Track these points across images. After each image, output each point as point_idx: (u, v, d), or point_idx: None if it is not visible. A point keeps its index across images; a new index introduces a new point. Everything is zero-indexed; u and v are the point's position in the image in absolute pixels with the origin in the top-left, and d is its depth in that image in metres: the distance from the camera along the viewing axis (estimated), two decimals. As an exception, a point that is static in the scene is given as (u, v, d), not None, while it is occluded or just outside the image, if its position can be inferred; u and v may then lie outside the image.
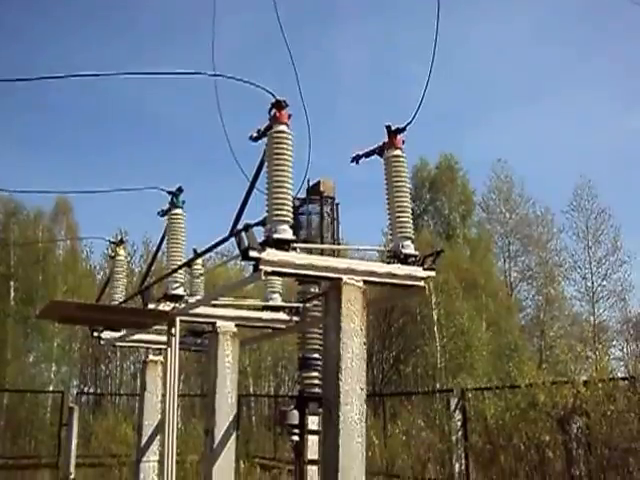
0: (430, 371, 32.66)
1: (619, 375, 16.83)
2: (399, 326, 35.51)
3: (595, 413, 14.22)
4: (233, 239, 6.12)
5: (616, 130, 60.67)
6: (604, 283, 42.78)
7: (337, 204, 9.53)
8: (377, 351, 34.69)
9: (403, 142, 6.86)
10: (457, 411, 16.71)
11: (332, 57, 62.12)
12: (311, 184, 9.33)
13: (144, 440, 11.35)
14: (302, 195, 9.00)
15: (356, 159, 7.13)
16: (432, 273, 6.48)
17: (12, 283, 39.42)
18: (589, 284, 42.68)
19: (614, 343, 44.08)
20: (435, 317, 32.77)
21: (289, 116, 6.36)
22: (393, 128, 6.81)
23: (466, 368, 30.65)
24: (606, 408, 14.11)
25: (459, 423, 16.73)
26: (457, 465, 16.38)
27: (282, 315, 9.25)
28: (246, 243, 5.75)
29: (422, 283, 6.46)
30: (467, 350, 31.90)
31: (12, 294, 39.17)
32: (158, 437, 11.08)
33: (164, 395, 8.03)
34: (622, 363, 41.31)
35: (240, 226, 6.12)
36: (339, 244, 9.48)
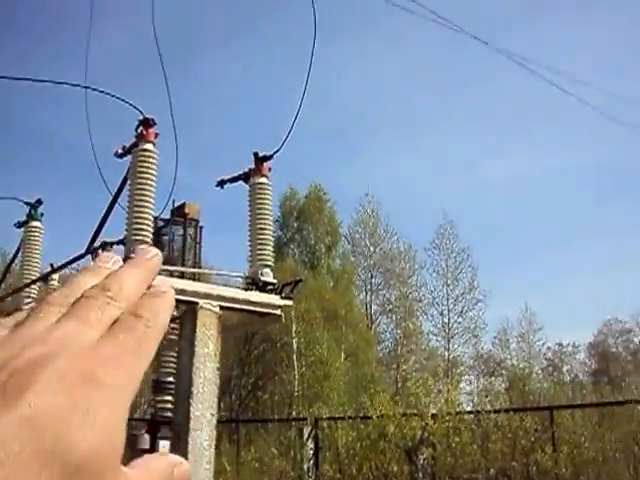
0: (287, 399, 32.67)
1: (467, 409, 17.36)
2: (259, 352, 35.39)
3: (441, 444, 14.61)
4: (90, 257, 6.00)
5: (475, 174, 63.01)
6: (460, 320, 44.11)
7: (201, 227, 9.46)
8: (235, 376, 34.45)
9: (269, 170, 6.89)
10: (310, 440, 16.79)
11: (209, 82, 61.84)
12: (176, 205, 9.24)
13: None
14: (166, 215, 8.89)
15: (221, 184, 7.12)
16: (289, 302, 6.51)
17: None
18: (445, 320, 43.90)
19: (465, 378, 45.51)
20: (295, 345, 32.83)
21: (156, 135, 6.30)
22: (260, 155, 6.83)
23: (323, 397, 30.80)
24: (452, 440, 14.52)
25: (311, 452, 16.81)
26: (307, 493, 16.44)
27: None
28: (102, 261, 5.63)
29: (279, 311, 6.48)
30: (325, 379, 32.05)
31: None
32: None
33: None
34: (471, 397, 42.72)
35: (98, 244, 6.01)
36: (200, 268, 9.40)
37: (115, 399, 0.48)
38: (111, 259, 0.61)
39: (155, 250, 0.62)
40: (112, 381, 0.48)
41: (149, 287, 0.58)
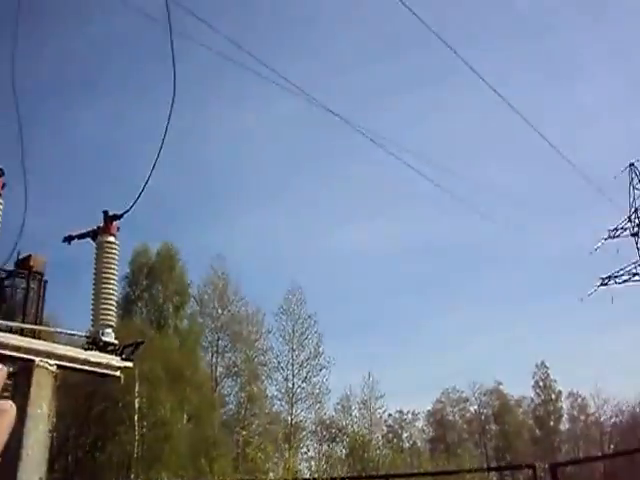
0: (126, 460, 31.74)
1: (306, 475, 17.41)
2: (99, 411, 34.32)
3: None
4: None
5: (325, 243, 64.17)
6: (304, 385, 44.35)
7: (45, 281, 9.20)
8: (73, 436, 33.25)
9: (118, 229, 6.83)
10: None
11: (68, 130, 60.65)
12: (21, 257, 8.98)
13: None
14: (11, 266, 8.63)
15: (68, 239, 7.00)
16: (129, 364, 6.42)
17: None
18: (290, 385, 44.03)
19: (307, 443, 45.59)
20: (137, 405, 32.07)
21: (3, 185, 6.17)
22: (110, 214, 6.78)
23: (163, 460, 30.15)
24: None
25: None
26: None
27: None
28: None
29: (118, 373, 6.38)
30: (166, 441, 31.43)
31: None
32: None
33: None
34: (311, 463, 42.78)
35: None
36: (42, 324, 9.13)
37: None
38: None
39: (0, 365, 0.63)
40: None
41: None
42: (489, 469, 34.86)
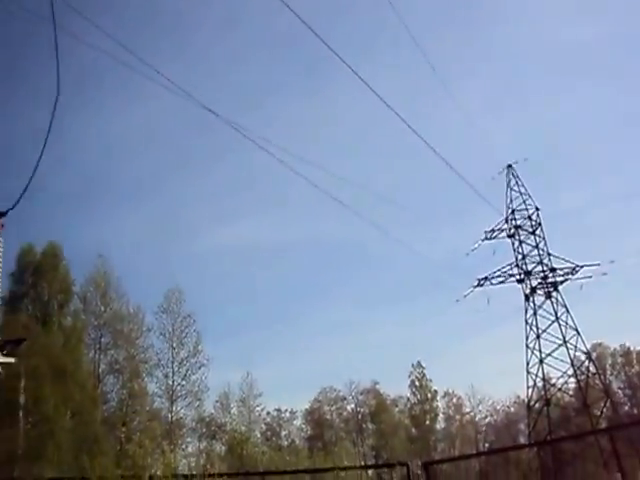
0: (10, 456, 31.83)
1: (185, 471, 18.27)
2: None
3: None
4: None
5: (204, 241, 64.81)
6: (184, 383, 45.21)
7: None
8: (-48, 433, 33.08)
9: (2, 226, 7.23)
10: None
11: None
12: None
13: None
14: None
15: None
16: (12, 359, 6.67)
17: None
18: (170, 382, 44.79)
19: (187, 440, 46.36)
20: (22, 401, 32.25)
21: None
22: (-3, 211, 7.07)
23: (47, 456, 30.45)
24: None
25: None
26: None
27: None
28: None
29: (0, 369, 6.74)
30: (50, 438, 31.69)
31: None
32: None
33: None
34: (192, 460, 43.52)
35: None
36: None
37: None
38: None
39: None
40: None
41: None
42: (365, 467, 36.56)
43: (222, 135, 49.04)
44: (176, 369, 45.31)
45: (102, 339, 44.81)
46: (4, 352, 6.46)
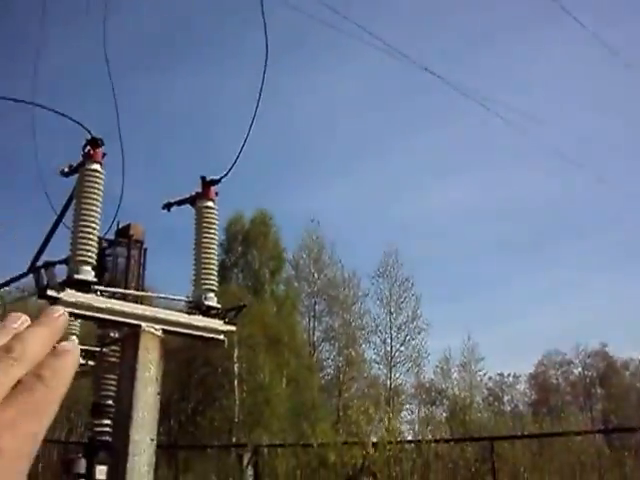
0: (228, 425, 32.39)
1: (408, 438, 17.39)
2: (200, 377, 35.07)
3: (382, 473, 14.60)
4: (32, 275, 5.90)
5: (422, 202, 63.61)
6: (402, 348, 44.26)
7: (145, 249, 9.36)
8: (175, 400, 34.03)
9: (216, 194, 6.85)
10: (249, 466, 16.64)
11: (157, 103, 61.56)
12: (121, 226, 9.14)
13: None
14: (111, 236, 8.78)
15: (168, 206, 7.06)
16: (233, 327, 6.46)
17: None
18: (388, 348, 44.03)
19: (407, 407, 45.62)
20: (236, 370, 32.62)
21: (104, 155, 6.24)
22: (208, 179, 6.80)
23: (263, 423, 30.60)
24: (392, 469, 14.52)
25: (251, 478, 16.66)
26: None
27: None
28: (45, 281, 5.56)
29: (222, 336, 6.42)
30: (266, 405, 31.87)
31: None
32: None
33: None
34: (412, 426, 42.82)
35: (41, 262, 5.91)
36: (144, 290, 9.29)
37: (13, 465, 0.49)
38: (19, 318, 0.61)
39: (61, 309, 0.63)
40: (10, 446, 0.49)
41: (55, 346, 0.59)
42: (600, 431, 34.12)
43: (437, 96, 47.10)
44: (394, 335, 44.45)
45: (316, 306, 44.85)
46: (225, 320, 6.45)
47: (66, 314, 0.62)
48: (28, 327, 0.59)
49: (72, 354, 0.59)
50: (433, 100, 56.05)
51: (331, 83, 60.77)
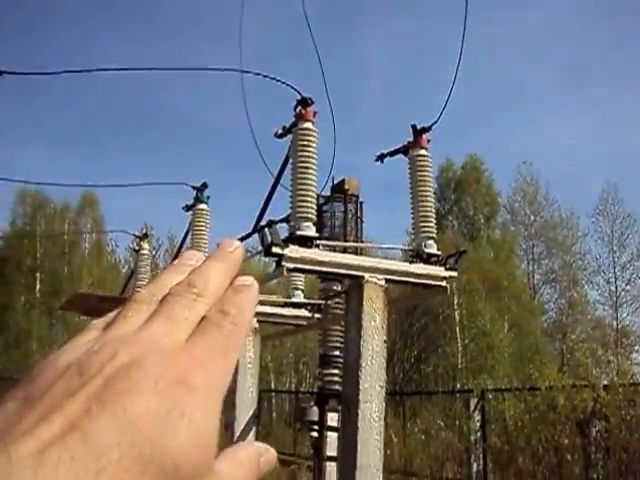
0: (451, 371, 32.58)
1: (640, 380, 16.78)
2: (421, 326, 35.43)
3: (615, 417, 14.18)
4: (256, 235, 6.16)
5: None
6: (628, 288, 42.36)
7: (361, 203, 9.52)
8: (398, 350, 34.55)
9: (428, 141, 6.84)
10: (476, 412, 16.69)
11: (357, 55, 62.01)
12: (335, 182, 9.34)
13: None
14: (326, 193, 9.00)
15: (381, 158, 7.13)
16: (454, 273, 6.46)
17: (38, 275, 39.92)
18: (612, 288, 42.31)
19: (636, 348, 43.79)
20: (457, 317, 32.67)
21: (314, 113, 6.38)
22: (419, 127, 6.80)
23: (487, 369, 30.48)
24: (626, 413, 14.07)
25: (478, 424, 16.72)
26: (475, 465, 16.39)
27: (304, 312, 9.26)
28: (269, 239, 5.78)
29: (444, 283, 6.44)
30: (488, 351, 31.73)
31: (38, 286, 39.63)
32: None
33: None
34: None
35: (263, 222, 6.16)
36: (362, 243, 9.48)
37: (207, 401, 0.49)
38: (194, 255, 0.62)
39: (237, 242, 0.61)
40: (203, 382, 0.49)
41: (232, 281, 0.58)
42: None
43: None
44: (618, 274, 42.57)
45: (534, 249, 43.88)
46: (446, 267, 6.45)
47: (241, 247, 0.61)
48: (204, 262, 0.59)
49: (253, 289, 0.57)
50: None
51: (542, 18, 58.48)
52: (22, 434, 0.43)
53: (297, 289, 9.34)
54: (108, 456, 0.42)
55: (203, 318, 0.54)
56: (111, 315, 0.57)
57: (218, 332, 0.53)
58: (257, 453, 0.55)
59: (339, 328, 8.57)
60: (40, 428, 0.43)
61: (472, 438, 16.76)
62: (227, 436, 8.56)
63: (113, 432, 0.43)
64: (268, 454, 0.56)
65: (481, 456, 16.43)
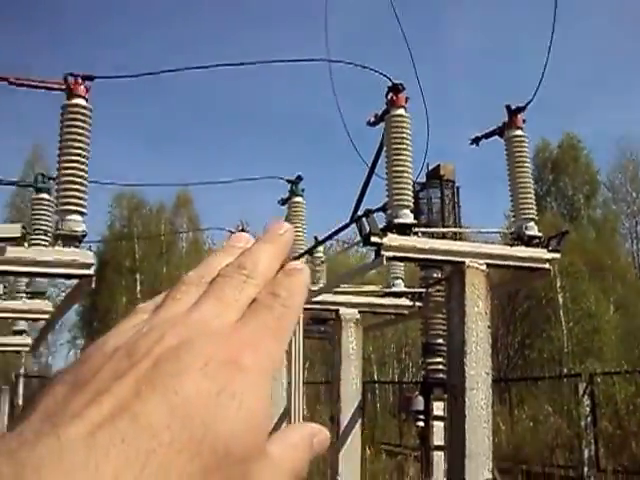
0: (556, 356, 31.95)
1: None
2: (523, 310, 34.83)
3: None
4: (354, 225, 6.14)
5: None
6: None
7: (458, 187, 9.43)
8: (501, 335, 34.06)
9: (524, 121, 6.71)
10: (585, 396, 16.33)
11: (443, 39, 61.45)
12: (430, 168, 9.27)
13: (270, 427, 11.53)
14: (421, 179, 8.94)
15: (476, 141, 7.02)
16: (557, 255, 6.32)
17: (137, 276, 40.83)
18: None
19: None
20: (560, 300, 32.01)
21: (406, 99, 6.32)
22: (513, 107, 6.67)
23: (594, 352, 29.82)
24: None
25: (588, 408, 16.36)
26: (586, 451, 16.02)
27: (404, 301, 9.21)
28: (367, 229, 5.75)
29: (547, 265, 6.30)
30: (595, 334, 31.05)
31: (138, 287, 40.56)
32: (284, 424, 11.19)
33: (289, 383, 8.11)
34: None
35: (360, 212, 6.13)
36: (461, 227, 9.38)
37: (259, 383, 0.48)
38: (243, 238, 0.61)
39: (287, 225, 0.60)
40: (254, 363, 0.48)
41: (283, 264, 0.57)
42: None
43: None
44: None
45: (638, 227, 42.75)
46: (548, 249, 6.32)
47: (291, 229, 0.60)
48: (254, 244, 0.58)
49: (304, 272, 0.57)
50: None
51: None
52: (71, 416, 0.42)
53: (397, 278, 9.29)
54: (159, 438, 0.42)
55: (253, 300, 0.54)
56: (159, 297, 0.56)
57: (269, 314, 0.53)
58: (310, 434, 0.55)
59: (441, 316, 8.50)
60: (89, 410, 0.43)
61: (582, 423, 16.41)
62: (333, 429, 8.59)
63: (164, 414, 0.43)
64: (321, 435, 0.55)
65: (592, 442, 16.07)
